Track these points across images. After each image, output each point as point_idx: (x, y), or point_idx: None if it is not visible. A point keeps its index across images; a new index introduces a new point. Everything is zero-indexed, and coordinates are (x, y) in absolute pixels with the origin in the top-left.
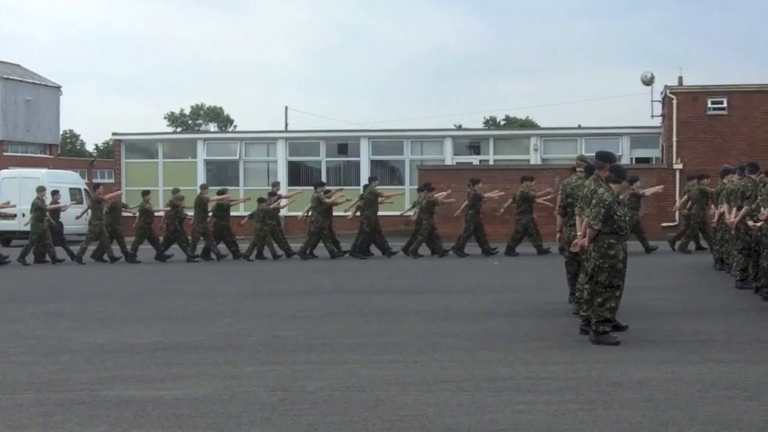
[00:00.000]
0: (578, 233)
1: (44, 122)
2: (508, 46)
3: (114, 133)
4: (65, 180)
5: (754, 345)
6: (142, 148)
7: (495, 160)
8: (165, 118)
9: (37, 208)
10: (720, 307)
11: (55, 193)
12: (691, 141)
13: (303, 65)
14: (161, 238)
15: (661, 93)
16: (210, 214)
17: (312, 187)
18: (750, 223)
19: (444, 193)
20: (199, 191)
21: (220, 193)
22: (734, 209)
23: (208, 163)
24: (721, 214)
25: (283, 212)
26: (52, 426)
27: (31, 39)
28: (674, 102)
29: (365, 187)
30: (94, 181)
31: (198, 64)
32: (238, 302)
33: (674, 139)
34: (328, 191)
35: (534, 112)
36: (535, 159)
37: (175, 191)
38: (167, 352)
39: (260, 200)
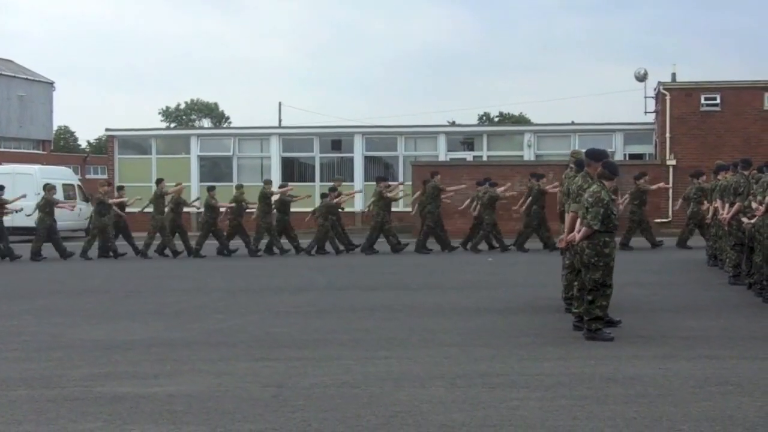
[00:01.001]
0: (565, 229)
1: (37, 118)
2: (501, 43)
3: (107, 129)
4: (58, 176)
5: (747, 341)
6: (136, 143)
7: (488, 156)
8: (159, 113)
9: (100, 202)
10: (713, 304)
11: (51, 188)
12: (685, 137)
13: (297, 61)
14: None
15: (655, 89)
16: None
17: (374, 183)
18: (744, 219)
19: (503, 188)
20: (263, 186)
21: (282, 187)
22: (726, 205)
23: (201, 158)
24: (715, 211)
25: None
26: (45, 422)
27: (25, 35)
28: (667, 98)
29: (377, 181)
30: (87, 176)
31: (192, 59)
32: (231, 298)
33: (667, 135)
34: (389, 186)
35: (528, 108)
36: (528, 155)
37: (239, 187)
38: (160, 348)
39: (324, 195)
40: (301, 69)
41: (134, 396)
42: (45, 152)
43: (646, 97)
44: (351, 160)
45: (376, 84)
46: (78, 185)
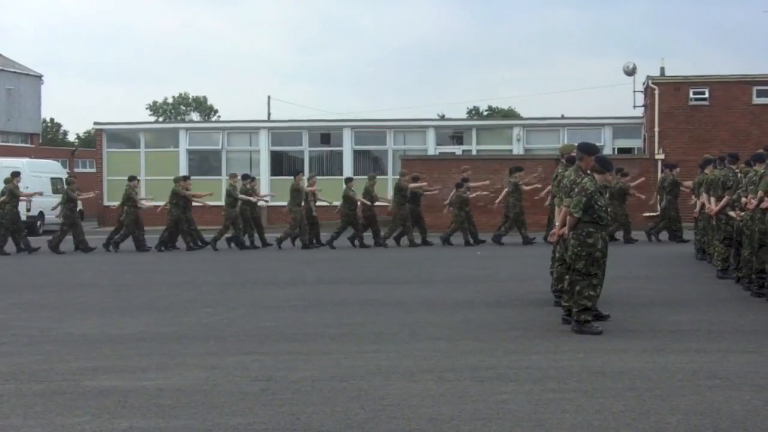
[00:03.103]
0: (556, 223)
1: (25, 111)
2: (491, 36)
3: (95, 123)
4: (46, 169)
5: (735, 335)
6: (124, 137)
7: (478, 150)
8: (147, 107)
9: (229, 195)
10: (701, 297)
11: (15, 174)
12: (673, 131)
13: (286, 55)
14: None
15: (643, 83)
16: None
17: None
18: (732, 213)
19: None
20: (399, 179)
21: (414, 179)
22: (713, 199)
23: (190, 152)
24: (703, 205)
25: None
26: (33, 416)
27: (13, 28)
28: (656, 92)
29: (399, 176)
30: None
31: (181, 53)
32: (220, 292)
33: (656, 129)
34: (467, 180)
35: (517, 102)
36: (517, 149)
37: (348, 181)
38: (149, 342)
39: (458, 186)
40: (290, 63)
41: (123, 390)
42: (33, 146)
43: (634, 92)
44: (340, 153)
45: (365, 78)
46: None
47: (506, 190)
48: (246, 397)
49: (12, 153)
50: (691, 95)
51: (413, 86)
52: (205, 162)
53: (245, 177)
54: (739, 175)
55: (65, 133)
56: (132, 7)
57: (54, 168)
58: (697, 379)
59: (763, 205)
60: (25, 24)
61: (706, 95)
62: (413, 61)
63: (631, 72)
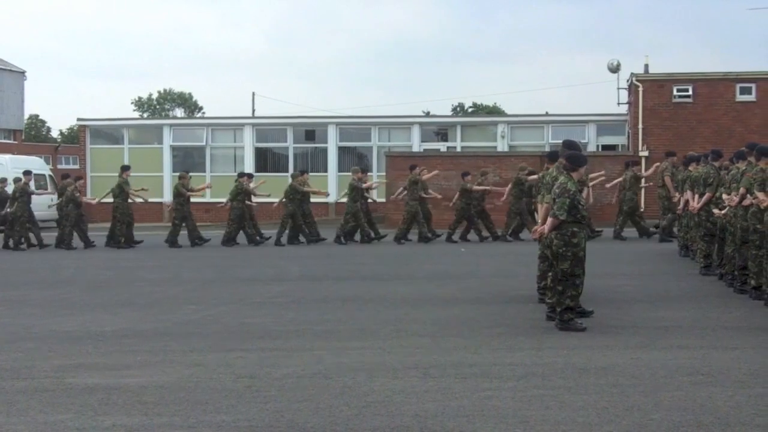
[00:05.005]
0: (539, 220)
1: (8, 107)
2: (475, 32)
3: (79, 119)
4: (30, 166)
5: (718, 331)
6: (108, 133)
7: (462, 147)
8: (132, 103)
9: (294, 190)
10: (684, 294)
11: (27, 173)
12: (657, 128)
13: (271, 51)
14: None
15: (628, 80)
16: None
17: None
18: (715, 211)
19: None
20: (518, 174)
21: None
22: (696, 196)
23: (174, 149)
24: (686, 202)
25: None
26: (16, 414)
27: None
28: (640, 89)
29: (519, 170)
30: (59, 166)
31: (166, 49)
32: (203, 289)
33: (640, 126)
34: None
35: (501, 99)
36: (502, 146)
37: (413, 169)
38: (132, 339)
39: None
40: (275, 59)
41: (106, 387)
42: (16, 142)
43: (619, 89)
44: (325, 150)
45: (350, 74)
46: (49, 175)
47: (619, 182)
48: (230, 394)
49: None
50: (675, 92)
51: (398, 83)
52: (189, 158)
53: (241, 175)
54: (721, 172)
55: (49, 129)
56: (117, 2)
57: (38, 164)
58: (681, 376)
59: (746, 202)
60: (7, 19)
61: (690, 92)
62: (398, 58)
63: (615, 69)
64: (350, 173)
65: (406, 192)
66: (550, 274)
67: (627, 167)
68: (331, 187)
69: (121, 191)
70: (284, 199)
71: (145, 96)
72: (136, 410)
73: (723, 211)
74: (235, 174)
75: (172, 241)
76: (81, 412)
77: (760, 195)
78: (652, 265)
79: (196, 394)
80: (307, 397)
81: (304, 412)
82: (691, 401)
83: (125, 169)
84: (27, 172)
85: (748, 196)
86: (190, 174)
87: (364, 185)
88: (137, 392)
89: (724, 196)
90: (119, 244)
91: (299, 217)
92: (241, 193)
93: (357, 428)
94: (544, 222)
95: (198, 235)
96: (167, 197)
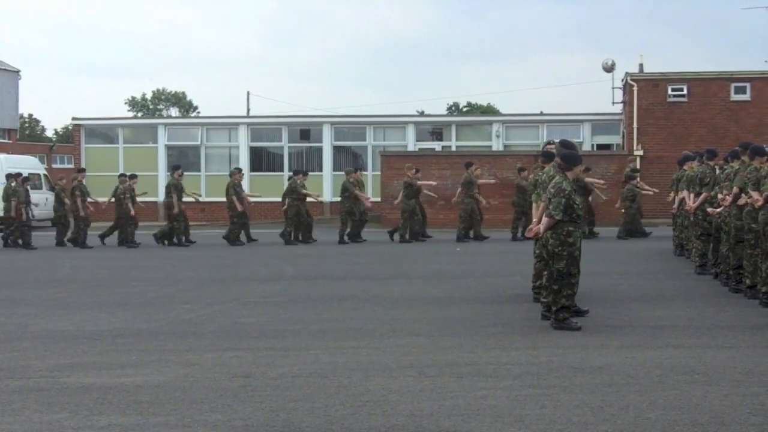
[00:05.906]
0: (534, 219)
1: (3, 107)
2: (470, 31)
3: (74, 118)
4: (24, 165)
5: (714, 330)
6: (102, 133)
7: (457, 146)
8: (126, 103)
9: (408, 185)
10: (680, 293)
11: (26, 180)
12: (652, 128)
13: (266, 51)
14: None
15: (622, 80)
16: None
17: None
18: (710, 210)
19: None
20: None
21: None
22: (692, 195)
23: (169, 148)
24: (681, 201)
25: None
26: (11, 413)
27: None
28: (635, 89)
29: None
30: (54, 166)
31: (160, 48)
32: (198, 288)
33: (635, 125)
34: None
35: (496, 98)
36: (497, 145)
37: (468, 167)
38: (127, 338)
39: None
40: (270, 58)
41: (101, 387)
42: (11, 141)
43: (613, 88)
44: (320, 149)
45: (345, 74)
46: (44, 174)
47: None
48: (225, 393)
49: None
50: (670, 92)
51: (392, 82)
52: (183, 158)
53: (296, 173)
54: (717, 171)
55: (43, 129)
56: (112, 2)
57: (32, 163)
58: (676, 375)
59: (740, 201)
60: (2, 19)
61: (685, 92)
62: (393, 57)
63: (610, 68)
64: (344, 173)
65: (403, 193)
66: (545, 273)
67: (626, 181)
68: (326, 186)
69: (177, 191)
70: (288, 200)
71: (139, 95)
72: (132, 409)
73: (717, 210)
74: (227, 173)
75: (178, 239)
76: (76, 411)
77: (755, 194)
78: (648, 265)
79: (192, 394)
80: (302, 396)
81: (299, 411)
82: (686, 400)
83: (176, 168)
84: (26, 178)
85: (743, 195)
86: (185, 173)
87: (419, 183)
88: (132, 391)
89: (719, 196)
90: (180, 242)
91: (305, 215)
92: (294, 191)
93: (352, 427)
94: (539, 221)
95: (188, 236)
96: (162, 197)
